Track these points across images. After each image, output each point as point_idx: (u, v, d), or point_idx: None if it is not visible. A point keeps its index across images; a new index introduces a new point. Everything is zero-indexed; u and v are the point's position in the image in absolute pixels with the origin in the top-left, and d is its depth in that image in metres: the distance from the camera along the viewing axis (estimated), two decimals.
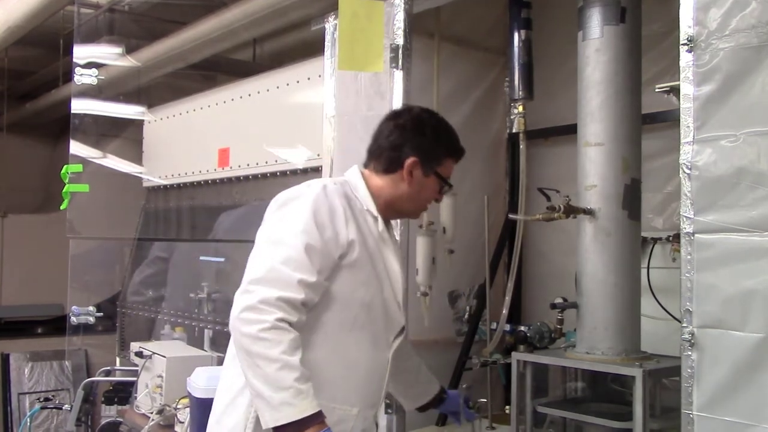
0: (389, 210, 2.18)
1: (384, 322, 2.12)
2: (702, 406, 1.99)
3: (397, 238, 2.80)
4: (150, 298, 5.14)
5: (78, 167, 4.72)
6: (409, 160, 2.11)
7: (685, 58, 2.05)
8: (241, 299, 1.89)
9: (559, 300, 2.76)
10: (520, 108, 2.70)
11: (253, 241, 2.04)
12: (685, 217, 2.04)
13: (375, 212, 2.12)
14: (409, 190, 2.14)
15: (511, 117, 3.67)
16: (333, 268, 2.00)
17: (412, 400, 2.54)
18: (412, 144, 2.13)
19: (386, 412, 2.78)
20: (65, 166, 4.67)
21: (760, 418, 1.90)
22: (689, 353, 2.02)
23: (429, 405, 2.53)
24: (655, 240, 3.00)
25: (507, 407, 3.00)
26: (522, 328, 3.12)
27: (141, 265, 5.27)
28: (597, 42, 2.51)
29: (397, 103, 2.87)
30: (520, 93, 2.66)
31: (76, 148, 4.85)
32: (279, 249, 1.93)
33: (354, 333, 2.04)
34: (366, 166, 2.20)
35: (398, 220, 2.82)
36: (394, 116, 2.22)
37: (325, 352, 2.00)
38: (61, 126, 6.92)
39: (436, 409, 2.58)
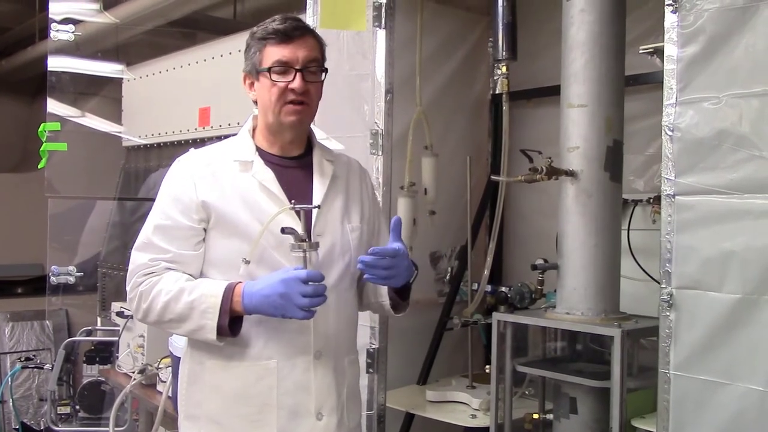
0: (272, 136, 2.07)
1: (290, 265, 1.96)
2: (678, 365, 2.02)
3: (379, 198, 2.80)
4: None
5: (55, 125, 4.64)
6: (243, 77, 2.08)
7: (670, 18, 2.04)
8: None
9: (539, 261, 2.77)
10: (504, 68, 2.68)
11: None
12: (666, 179, 2.05)
13: (250, 157, 2.03)
14: (259, 104, 2.05)
15: (495, 77, 3.67)
16: (199, 235, 1.99)
17: (383, 299, 2.16)
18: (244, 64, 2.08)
19: (368, 371, 2.80)
20: (42, 125, 4.60)
21: (735, 376, 1.94)
22: (667, 314, 2.04)
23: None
24: (635, 202, 3.02)
25: (487, 367, 3.04)
26: (503, 288, 3.14)
27: (120, 225, 5.23)
28: (582, 2, 2.48)
29: (380, 63, 2.84)
30: (504, 53, 2.64)
31: (53, 106, 4.77)
32: (138, 240, 2.04)
33: None
34: None
35: (378, 180, 2.81)
36: None
37: None
38: (37, 84, 6.80)
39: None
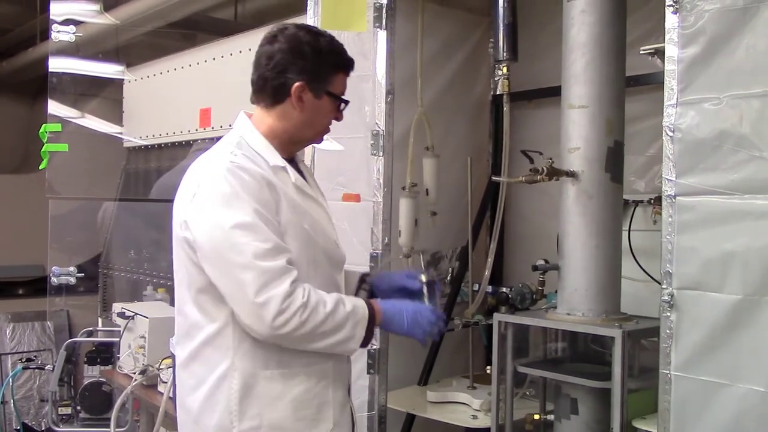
0: (290, 144, 2.10)
1: (330, 267, 2.11)
2: (679, 366, 2.02)
3: (380, 199, 2.80)
4: (132, 259, 5.12)
5: (56, 126, 4.66)
6: (295, 86, 1.99)
7: (671, 19, 2.04)
8: (263, 314, 1.85)
9: (540, 262, 2.77)
10: (504, 69, 2.68)
11: None
12: (667, 179, 2.05)
13: (282, 162, 2.03)
14: (302, 117, 2.04)
15: (495, 78, 3.67)
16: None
17: None
18: (295, 67, 2.00)
19: (368, 372, 2.80)
20: (43, 126, 4.61)
21: (736, 377, 1.94)
22: (668, 314, 2.04)
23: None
24: (636, 203, 3.01)
25: (488, 367, 3.04)
26: (504, 289, 3.15)
27: (122, 226, 5.24)
28: (582, 3, 2.48)
29: (381, 64, 2.84)
30: (505, 54, 2.64)
31: (54, 107, 4.79)
32: (251, 249, 1.86)
33: None
34: (254, 101, 2.10)
35: (380, 181, 2.82)
36: (270, 40, 2.04)
37: None
38: (38, 85, 6.80)
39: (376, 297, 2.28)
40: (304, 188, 2.07)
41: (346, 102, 2.11)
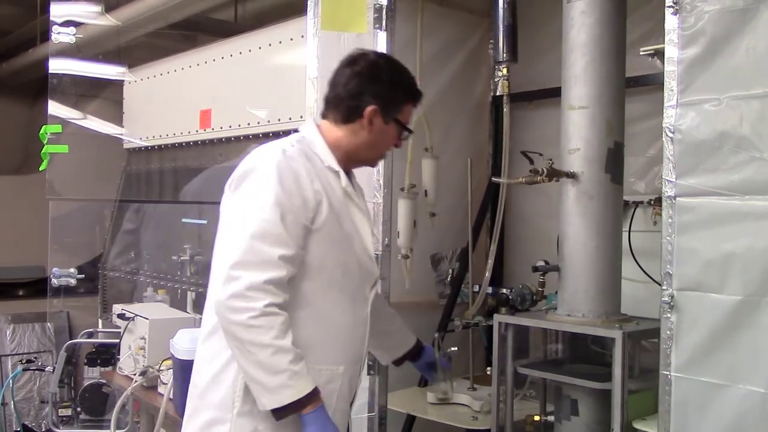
0: (349, 160, 2.14)
1: (360, 278, 2.11)
2: (680, 367, 2.02)
3: (380, 200, 2.80)
4: (132, 260, 5.12)
5: (57, 128, 4.66)
6: (369, 109, 2.06)
7: (671, 20, 2.04)
8: (226, 287, 1.86)
9: (540, 263, 2.77)
10: (504, 70, 2.68)
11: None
12: (667, 180, 2.05)
13: (336, 167, 2.07)
14: (369, 138, 2.10)
15: (495, 79, 3.67)
16: (305, 236, 1.96)
17: (387, 353, 2.46)
18: (371, 92, 2.07)
19: (369, 373, 2.80)
20: (44, 127, 4.61)
21: (736, 378, 1.94)
22: (668, 315, 2.04)
23: (405, 357, 2.49)
24: (636, 204, 3.02)
25: (488, 368, 3.04)
26: (504, 290, 3.14)
27: (122, 227, 5.24)
28: (582, 4, 2.48)
29: None
30: (504, 55, 2.64)
31: (54, 108, 4.78)
32: (254, 226, 1.89)
33: (332, 295, 2.03)
34: (324, 116, 2.15)
35: (380, 182, 2.82)
36: (350, 63, 2.11)
37: (305, 318, 1.98)
38: (38, 86, 6.80)
39: (413, 362, 2.52)
40: (351, 196, 2.09)
41: (410, 131, 2.17)
